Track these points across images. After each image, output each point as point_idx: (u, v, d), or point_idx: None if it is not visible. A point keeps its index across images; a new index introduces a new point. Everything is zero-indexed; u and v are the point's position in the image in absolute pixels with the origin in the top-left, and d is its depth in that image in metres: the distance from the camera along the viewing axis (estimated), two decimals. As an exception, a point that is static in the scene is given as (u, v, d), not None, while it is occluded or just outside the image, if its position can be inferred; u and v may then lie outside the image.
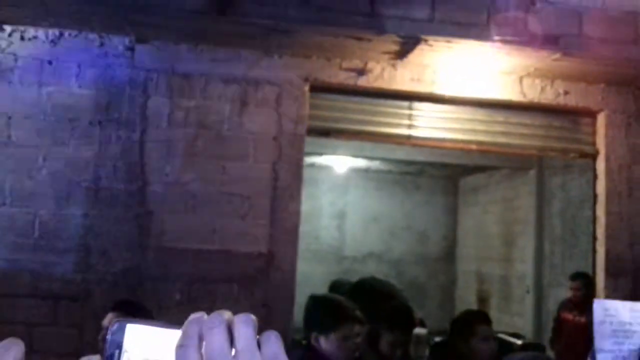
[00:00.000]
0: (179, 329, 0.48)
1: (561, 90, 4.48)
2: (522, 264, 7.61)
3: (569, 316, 4.95)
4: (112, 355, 0.48)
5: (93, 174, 3.93)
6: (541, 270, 7.20)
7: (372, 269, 8.05)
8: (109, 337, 0.48)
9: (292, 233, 4.10)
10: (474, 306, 9.01)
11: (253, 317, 0.48)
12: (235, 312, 0.49)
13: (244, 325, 0.47)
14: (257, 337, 0.48)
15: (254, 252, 4.02)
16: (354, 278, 6.04)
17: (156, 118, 4.02)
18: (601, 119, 4.59)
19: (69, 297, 3.82)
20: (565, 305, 5.16)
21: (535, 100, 4.46)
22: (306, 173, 4.41)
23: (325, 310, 2.24)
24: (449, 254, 10.10)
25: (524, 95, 4.44)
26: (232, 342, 0.47)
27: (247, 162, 4.08)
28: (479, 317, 2.84)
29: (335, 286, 5.53)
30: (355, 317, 2.28)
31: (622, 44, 3.96)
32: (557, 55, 3.98)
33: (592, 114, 4.62)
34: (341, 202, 9.84)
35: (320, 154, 7.83)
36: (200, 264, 3.94)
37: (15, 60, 3.93)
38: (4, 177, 3.85)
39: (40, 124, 3.91)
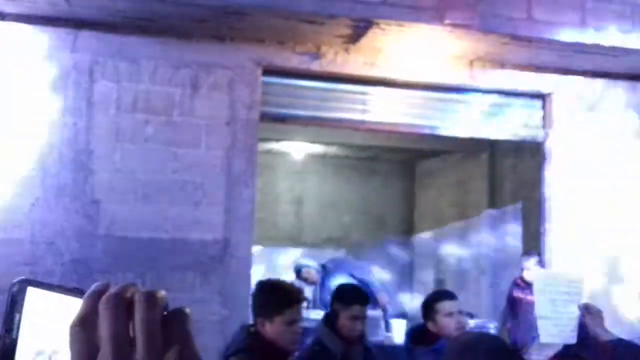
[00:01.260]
0: (81, 297, 0.44)
1: (511, 74, 4.55)
2: (477, 246, 7.76)
3: (520, 294, 5.09)
4: (11, 319, 0.44)
5: (38, 162, 3.78)
6: (495, 251, 7.36)
7: (330, 255, 8.07)
8: (8, 298, 0.44)
9: (247, 220, 4.06)
10: (431, 288, 9.17)
11: (161, 293, 0.43)
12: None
13: (145, 303, 0.42)
14: (165, 313, 0.43)
15: (208, 240, 3.96)
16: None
17: (103, 104, 3.89)
18: (550, 103, 4.68)
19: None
20: (517, 284, 5.28)
21: (486, 84, 4.51)
22: (263, 159, 4.37)
23: (269, 295, 2.20)
24: (407, 238, 10.22)
25: (475, 79, 4.49)
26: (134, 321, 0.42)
27: (199, 148, 4.00)
28: (441, 295, 2.89)
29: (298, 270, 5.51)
30: (300, 300, 2.25)
31: (570, 27, 4.04)
32: (507, 39, 4.03)
33: (541, 98, 4.71)
34: (298, 188, 9.81)
35: (278, 140, 7.77)
36: (153, 253, 3.85)
37: (-48, 44, 3.74)
38: (-58, 167, 3.67)
39: (-20, 111, 3.74)
